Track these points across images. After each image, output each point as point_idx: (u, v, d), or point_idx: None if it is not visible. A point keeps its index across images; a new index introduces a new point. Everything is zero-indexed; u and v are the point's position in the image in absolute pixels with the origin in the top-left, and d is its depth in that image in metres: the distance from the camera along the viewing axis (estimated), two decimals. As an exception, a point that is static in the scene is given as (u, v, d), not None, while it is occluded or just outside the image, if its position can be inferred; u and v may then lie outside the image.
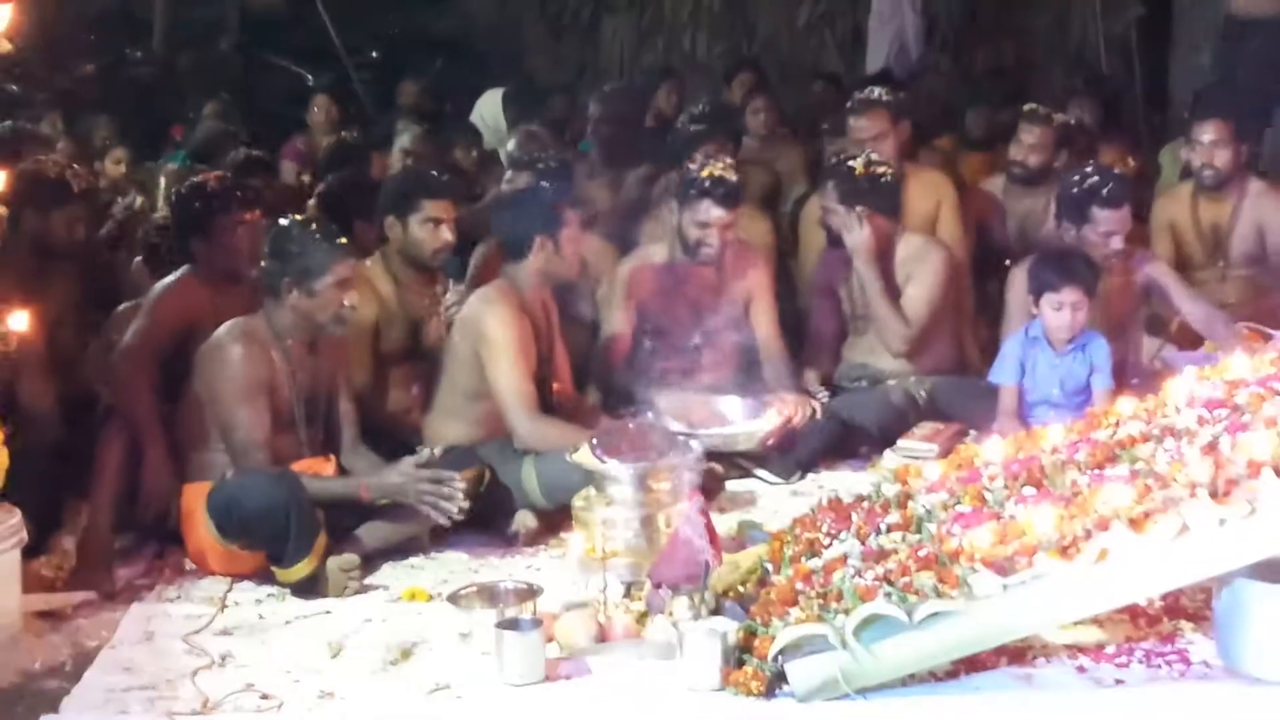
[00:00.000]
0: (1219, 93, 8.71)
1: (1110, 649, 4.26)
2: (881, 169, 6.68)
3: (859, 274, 6.63)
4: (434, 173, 6.49)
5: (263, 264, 5.30)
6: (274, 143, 10.61)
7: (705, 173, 6.48)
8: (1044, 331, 6.16)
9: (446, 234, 6.10)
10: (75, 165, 6.50)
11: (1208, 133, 7.14)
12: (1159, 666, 4.18)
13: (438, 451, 5.21)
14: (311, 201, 7.59)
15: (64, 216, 6.13)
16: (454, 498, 5.11)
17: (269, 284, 5.27)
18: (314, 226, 5.35)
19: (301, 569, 4.95)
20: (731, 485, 6.10)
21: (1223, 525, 3.91)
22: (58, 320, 5.91)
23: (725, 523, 5.35)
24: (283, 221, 5.38)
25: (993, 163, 9.03)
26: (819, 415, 6.33)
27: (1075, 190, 6.46)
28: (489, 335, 5.71)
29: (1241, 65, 8.93)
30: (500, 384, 5.70)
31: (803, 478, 6.21)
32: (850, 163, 6.67)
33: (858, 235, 6.56)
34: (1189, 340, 6.80)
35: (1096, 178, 6.46)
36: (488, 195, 8.33)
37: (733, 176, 6.49)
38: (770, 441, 6.16)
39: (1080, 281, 6.07)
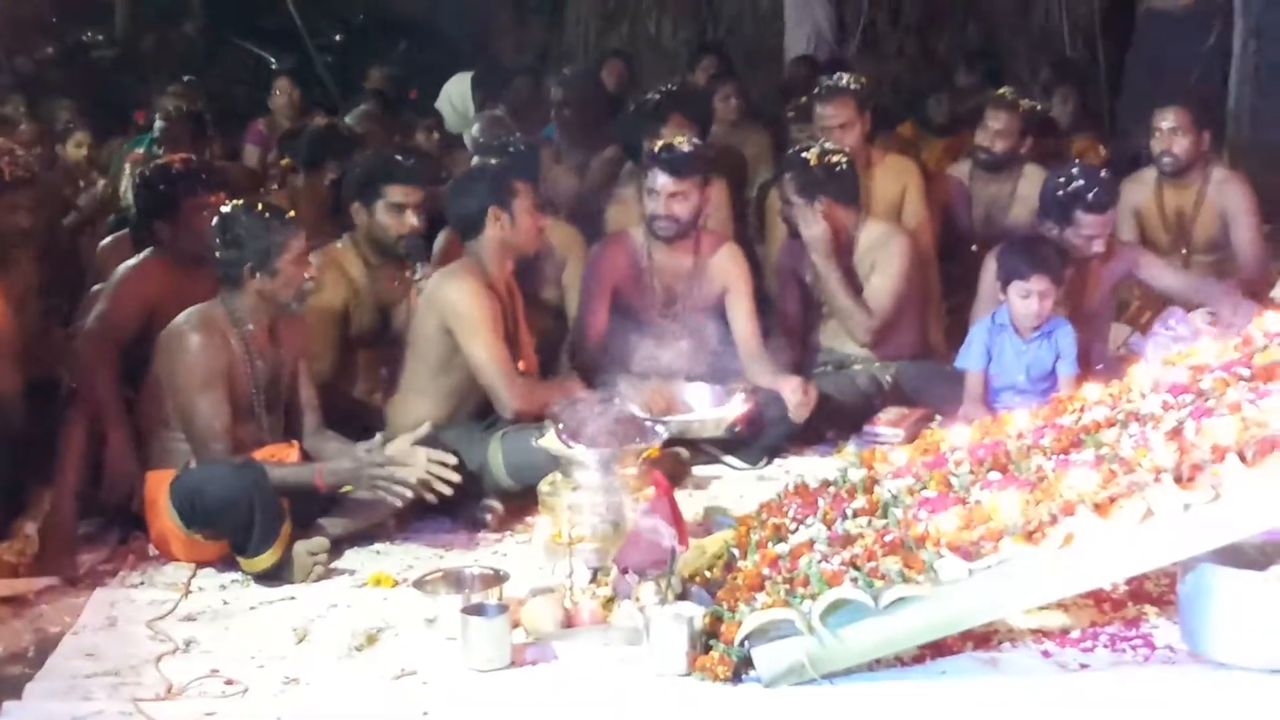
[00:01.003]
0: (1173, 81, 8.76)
1: (1075, 634, 4.28)
2: (837, 158, 6.66)
3: (817, 268, 6.63)
4: (399, 158, 6.46)
5: (218, 254, 5.23)
6: (236, 125, 10.56)
7: (658, 143, 6.48)
8: (1010, 318, 6.18)
9: (412, 219, 6.09)
10: (7, 153, 6.43)
11: (1167, 119, 7.16)
12: (1124, 651, 4.20)
13: (424, 431, 5.16)
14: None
15: (10, 204, 6.07)
16: (406, 482, 5.08)
17: (228, 272, 5.22)
18: (260, 207, 5.31)
19: (266, 559, 4.93)
20: (698, 470, 6.11)
21: (1187, 510, 3.92)
22: (18, 305, 5.85)
23: (692, 508, 5.36)
24: (226, 209, 5.30)
25: (956, 148, 9.06)
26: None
27: (1060, 192, 6.43)
28: (459, 310, 5.69)
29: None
30: (478, 356, 5.68)
31: (769, 463, 6.22)
32: (804, 154, 6.66)
33: (814, 230, 6.55)
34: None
35: (1082, 181, 6.41)
36: (452, 179, 8.30)
37: (685, 147, 6.46)
38: (737, 428, 6.15)
39: (1048, 270, 6.09)
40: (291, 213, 5.41)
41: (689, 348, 6.47)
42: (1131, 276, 6.73)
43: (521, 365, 5.96)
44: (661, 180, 6.41)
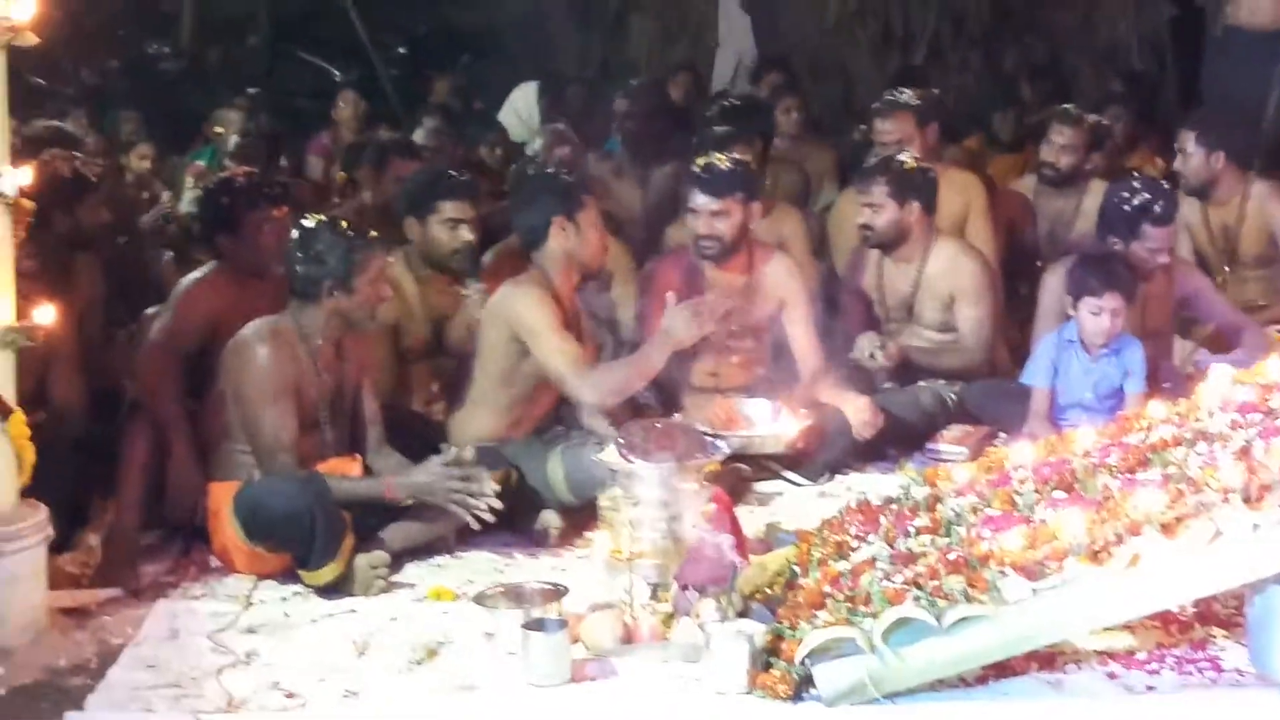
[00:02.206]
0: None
1: (1141, 655, 4.23)
2: (927, 166, 6.75)
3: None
4: (452, 173, 6.48)
5: (297, 269, 5.24)
6: (300, 138, 10.62)
7: (699, 162, 6.44)
8: (1079, 334, 6.13)
9: (466, 234, 6.11)
10: (85, 156, 6.50)
11: (1189, 142, 7.23)
12: (1190, 673, 4.15)
13: (469, 454, 5.19)
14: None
15: (87, 207, 6.17)
16: (482, 496, 5.10)
17: (305, 288, 5.23)
18: (344, 225, 5.33)
19: (327, 573, 4.94)
20: (759, 487, 6.09)
21: (1256, 531, 3.89)
22: (84, 315, 5.92)
23: (753, 524, 5.33)
24: (308, 224, 5.32)
25: (1022, 164, 9.01)
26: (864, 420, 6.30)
27: (1126, 206, 6.40)
28: (525, 317, 5.66)
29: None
30: (550, 358, 5.63)
31: (831, 479, 6.19)
32: (901, 158, 6.70)
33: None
34: (1222, 344, 6.76)
35: (1148, 194, 6.39)
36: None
37: (724, 165, 6.39)
38: (798, 444, 6.12)
39: (1122, 288, 6.04)
40: (374, 233, 5.41)
41: (748, 362, 6.47)
42: (1190, 302, 6.70)
43: None
44: (701, 200, 6.35)
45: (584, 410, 5.80)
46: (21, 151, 5.24)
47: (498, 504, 5.14)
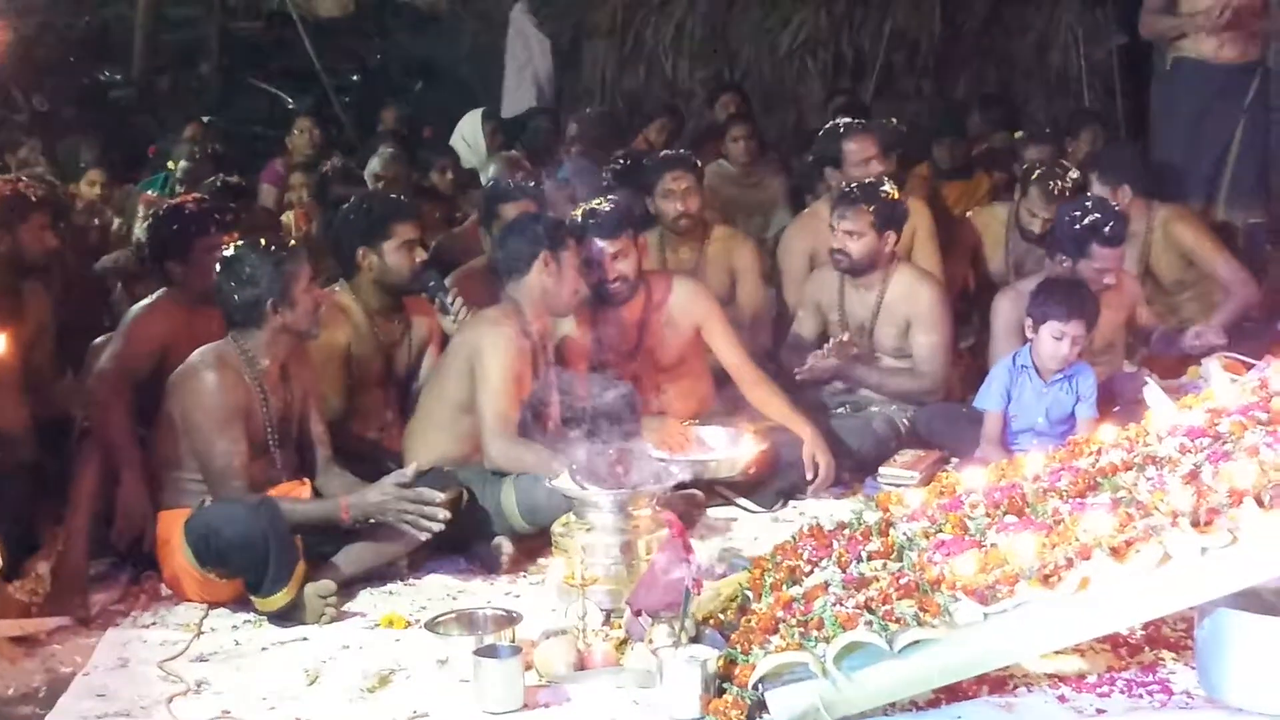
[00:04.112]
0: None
1: (1092, 678, 4.25)
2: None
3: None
4: (394, 196, 6.51)
5: (234, 298, 5.23)
6: (253, 166, 10.59)
7: (583, 208, 6.40)
8: (1033, 359, 6.17)
9: (422, 254, 6.13)
10: (26, 178, 6.46)
11: (1094, 183, 7.43)
12: (1140, 696, 4.17)
13: (411, 472, 5.17)
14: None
15: (30, 227, 6.13)
16: (434, 516, 5.09)
17: (246, 313, 5.23)
18: (264, 242, 5.32)
19: (280, 598, 4.91)
20: (712, 512, 6.09)
21: (1204, 554, 3.90)
22: (33, 342, 5.88)
23: (706, 550, 5.33)
24: (229, 252, 5.31)
25: (983, 189, 9.08)
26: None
27: (1076, 226, 6.47)
28: (484, 354, 5.69)
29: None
30: (484, 400, 5.67)
31: (784, 506, 6.20)
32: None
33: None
34: (1166, 368, 6.83)
35: (1098, 215, 6.47)
36: (468, 220, 8.32)
37: (606, 207, 6.34)
38: (752, 470, 6.14)
39: (1084, 316, 6.09)
40: (292, 241, 5.42)
41: (692, 390, 6.50)
42: (1134, 313, 6.81)
43: (550, 420, 5.90)
44: (598, 246, 6.28)
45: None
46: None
47: (446, 514, 5.12)
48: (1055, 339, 6.09)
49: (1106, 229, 6.42)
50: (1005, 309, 6.57)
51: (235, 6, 15.27)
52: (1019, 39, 12.99)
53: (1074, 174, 7.53)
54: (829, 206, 6.94)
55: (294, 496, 5.22)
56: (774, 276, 7.68)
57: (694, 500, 5.98)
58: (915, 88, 12.97)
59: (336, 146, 11.26)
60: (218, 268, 5.30)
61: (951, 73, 13.09)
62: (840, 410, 6.73)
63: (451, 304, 6.12)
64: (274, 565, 4.89)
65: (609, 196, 6.57)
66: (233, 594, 5.06)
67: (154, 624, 4.99)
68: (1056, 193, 7.41)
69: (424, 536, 5.15)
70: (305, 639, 4.82)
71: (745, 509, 6.15)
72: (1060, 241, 6.57)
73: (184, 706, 4.28)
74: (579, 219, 6.33)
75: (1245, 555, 3.89)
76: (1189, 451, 4.35)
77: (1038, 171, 7.64)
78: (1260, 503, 3.92)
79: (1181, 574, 3.91)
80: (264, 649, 4.76)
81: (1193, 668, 4.21)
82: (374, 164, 9.37)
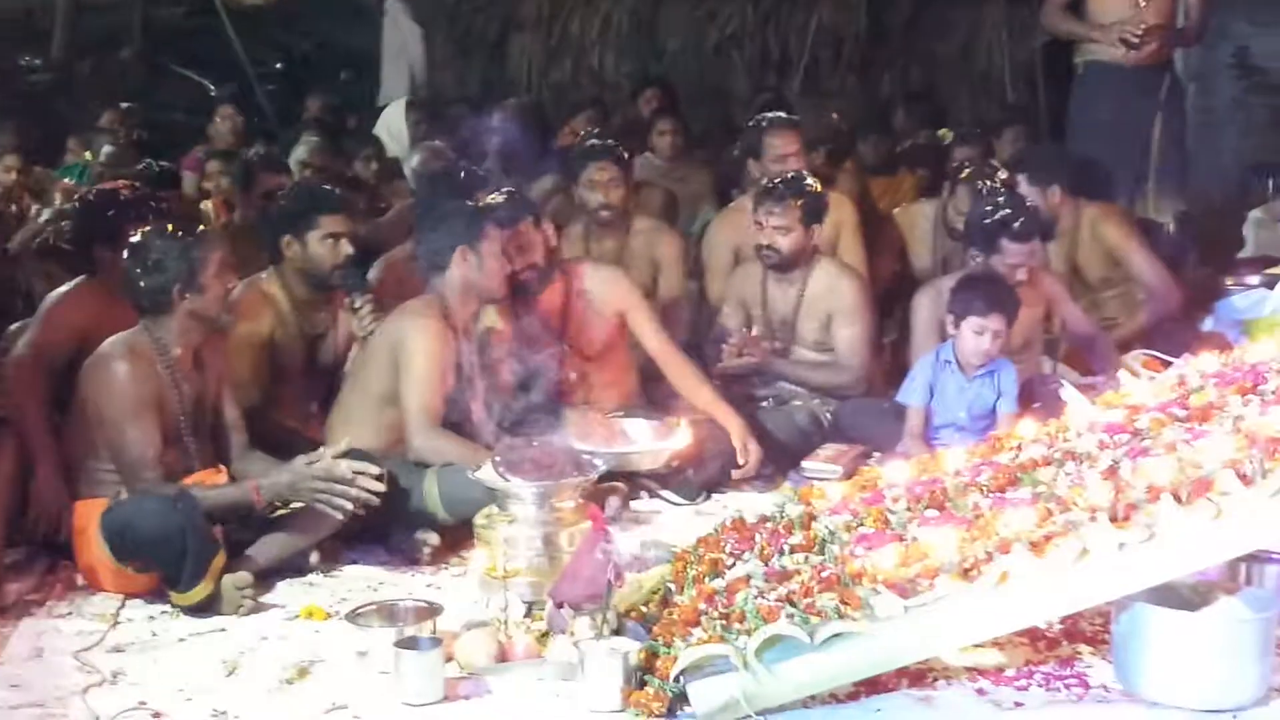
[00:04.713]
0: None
1: (1010, 672, 4.27)
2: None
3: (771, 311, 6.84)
4: (326, 187, 6.46)
5: (141, 284, 5.16)
6: (175, 153, 10.49)
7: (486, 201, 6.33)
8: (955, 355, 6.21)
9: (346, 248, 6.06)
10: None
11: (1021, 183, 7.41)
12: (1058, 690, 4.19)
13: (324, 453, 5.12)
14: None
15: None
16: (347, 494, 5.05)
17: (154, 300, 5.16)
18: (173, 227, 5.27)
19: (198, 593, 4.86)
20: (636, 505, 6.08)
21: (1122, 549, 3.94)
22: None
23: (629, 542, 5.33)
24: (137, 237, 5.24)
25: (909, 186, 9.13)
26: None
27: (987, 220, 6.52)
28: (408, 344, 5.67)
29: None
30: (407, 392, 5.65)
31: (707, 498, 6.20)
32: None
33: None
34: (1084, 363, 6.91)
35: (1009, 210, 6.53)
36: (392, 210, 8.28)
37: (501, 198, 6.28)
38: (675, 462, 6.14)
39: (1005, 311, 6.14)
40: (201, 226, 5.37)
41: (615, 380, 6.50)
42: (1052, 309, 6.88)
43: (474, 412, 5.89)
44: (503, 232, 6.14)
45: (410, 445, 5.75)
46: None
47: (361, 492, 5.08)
48: (976, 334, 6.14)
49: (1016, 224, 6.48)
50: (926, 305, 6.63)
51: (158, -9, 15.16)
52: (944, 37, 13.07)
53: (1002, 174, 7.57)
54: (753, 201, 6.95)
55: (210, 485, 5.18)
56: (698, 270, 7.69)
57: (618, 492, 5.97)
58: (840, 85, 13.02)
59: (259, 135, 11.15)
60: (125, 254, 5.24)
61: (877, 70, 13.16)
62: (764, 404, 6.74)
63: (359, 307, 6.07)
64: (191, 560, 4.83)
65: (504, 188, 6.53)
66: (149, 584, 5.00)
67: (69, 614, 4.92)
68: (984, 192, 7.46)
69: (340, 516, 5.10)
70: (223, 630, 4.77)
71: (669, 501, 6.15)
72: (972, 237, 6.63)
73: (100, 697, 4.22)
74: (482, 211, 6.26)
75: (1162, 550, 3.92)
76: (1108, 448, 4.40)
77: (966, 170, 7.71)
78: (1177, 499, 3.95)
79: (1099, 569, 3.94)
80: (181, 640, 4.71)
81: (1109, 662, 4.24)
82: (299, 152, 9.31)
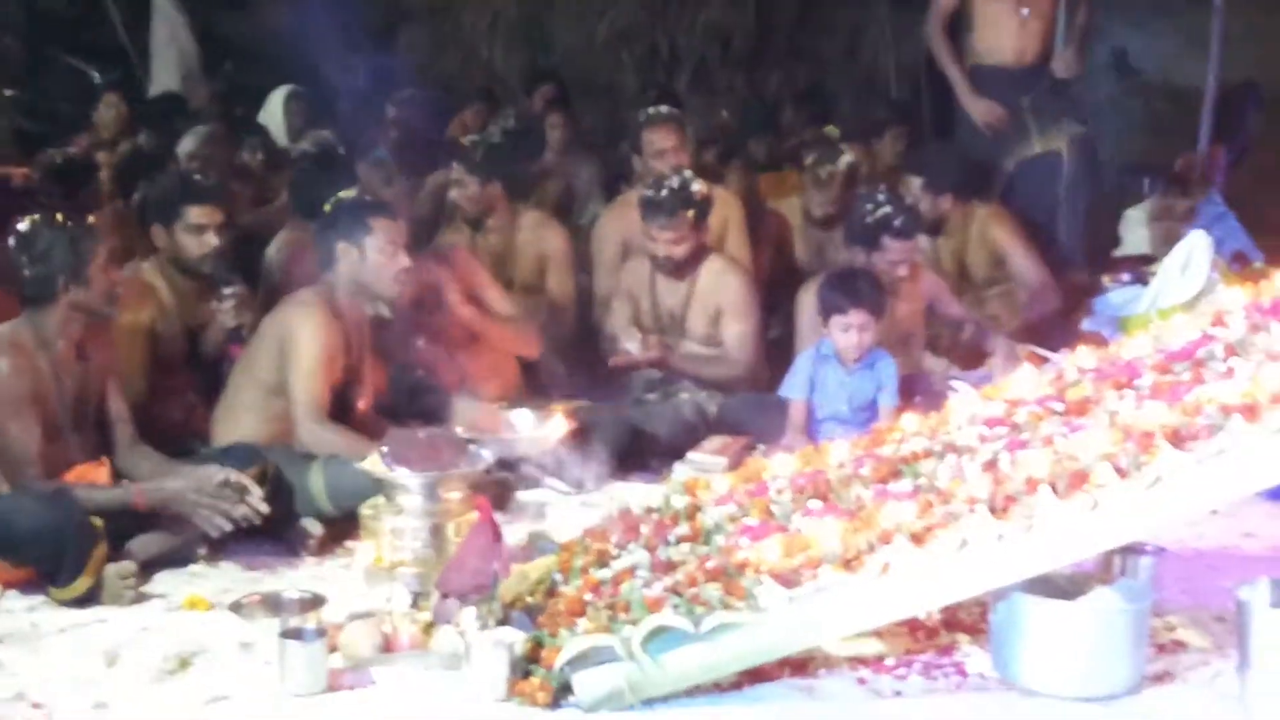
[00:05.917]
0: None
1: (890, 661, 4.33)
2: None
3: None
4: (196, 177, 6.42)
5: (26, 273, 5.10)
6: (58, 141, 10.32)
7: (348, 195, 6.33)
8: (834, 350, 6.28)
9: (212, 239, 6.04)
10: None
11: (915, 186, 7.57)
12: (937, 678, 4.26)
13: (219, 476, 5.09)
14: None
15: None
16: (230, 514, 5.03)
17: (38, 290, 5.10)
18: (58, 218, 5.20)
19: (76, 588, 4.80)
20: (521, 495, 6.09)
21: (1000, 540, 4.00)
22: None
23: (515, 533, 5.34)
24: (24, 226, 5.17)
25: (778, 183, 9.19)
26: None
27: (868, 219, 6.61)
28: (295, 335, 5.66)
29: None
30: (294, 383, 5.65)
31: (595, 488, 6.22)
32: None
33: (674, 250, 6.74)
34: (970, 360, 7.01)
35: (889, 208, 6.63)
36: (279, 199, 8.22)
37: (348, 197, 6.23)
38: (561, 450, 6.15)
39: (866, 304, 6.21)
40: (91, 218, 5.33)
41: (495, 369, 6.53)
42: (933, 305, 6.98)
43: (361, 404, 5.88)
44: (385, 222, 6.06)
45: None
46: None
47: (263, 507, 5.08)
48: (843, 331, 6.22)
49: (897, 221, 6.59)
50: (808, 302, 6.69)
51: (42, -22, 14.88)
52: (831, 37, 13.16)
53: (846, 159, 7.73)
54: (641, 209, 6.94)
55: (90, 480, 5.12)
56: (587, 263, 7.71)
57: (504, 483, 5.97)
58: (729, 83, 13.08)
59: (144, 123, 10.99)
60: (10, 243, 5.17)
61: (765, 69, 13.22)
62: (650, 396, 6.78)
63: (225, 299, 6.03)
64: (71, 558, 4.78)
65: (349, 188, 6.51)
66: (29, 575, 4.93)
67: (-54, 605, 4.86)
68: (826, 178, 7.58)
69: (215, 534, 5.08)
70: (104, 621, 4.72)
71: (554, 489, 6.16)
72: (853, 234, 6.73)
73: (-23, 688, 4.18)
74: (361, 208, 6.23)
75: (1039, 541, 3.98)
76: (988, 440, 4.46)
77: (809, 159, 7.81)
78: (1055, 490, 4.02)
79: (978, 559, 4.00)
80: (61, 630, 4.65)
81: (987, 651, 4.30)
82: (187, 143, 9.19)
